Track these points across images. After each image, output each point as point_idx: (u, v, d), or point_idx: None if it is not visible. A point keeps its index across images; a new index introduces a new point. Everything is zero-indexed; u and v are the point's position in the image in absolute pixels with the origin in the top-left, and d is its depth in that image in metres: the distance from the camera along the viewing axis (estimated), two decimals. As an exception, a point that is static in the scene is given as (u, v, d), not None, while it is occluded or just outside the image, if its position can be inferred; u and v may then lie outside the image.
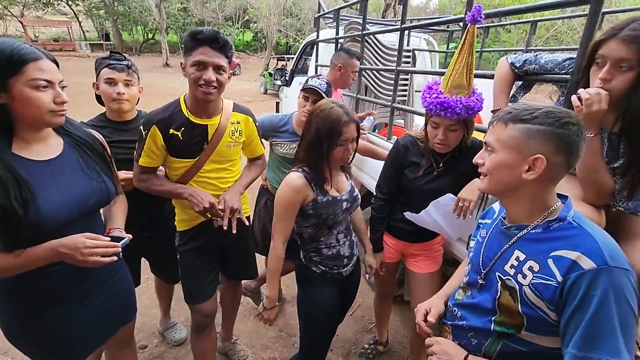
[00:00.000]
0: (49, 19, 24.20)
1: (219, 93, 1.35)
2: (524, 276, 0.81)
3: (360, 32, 2.63)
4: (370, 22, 3.73)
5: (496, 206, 1.05)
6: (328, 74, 2.45)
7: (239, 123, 1.50)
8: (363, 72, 2.92)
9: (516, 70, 1.39)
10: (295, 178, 1.33)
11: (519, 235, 0.86)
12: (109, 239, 1.04)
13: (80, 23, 24.83)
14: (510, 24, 5.74)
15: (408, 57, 3.50)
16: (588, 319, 0.70)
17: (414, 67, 3.75)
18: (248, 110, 1.57)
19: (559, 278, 0.75)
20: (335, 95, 2.35)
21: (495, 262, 0.90)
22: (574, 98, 1.02)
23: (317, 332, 1.50)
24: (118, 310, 1.28)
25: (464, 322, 0.96)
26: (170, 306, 2.22)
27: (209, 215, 1.42)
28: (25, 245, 0.95)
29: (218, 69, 1.30)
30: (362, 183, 2.57)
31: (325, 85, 1.84)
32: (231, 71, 1.39)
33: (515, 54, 1.48)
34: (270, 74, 12.84)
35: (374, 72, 3.12)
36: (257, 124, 1.60)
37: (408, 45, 3.69)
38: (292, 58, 5.48)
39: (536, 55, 1.35)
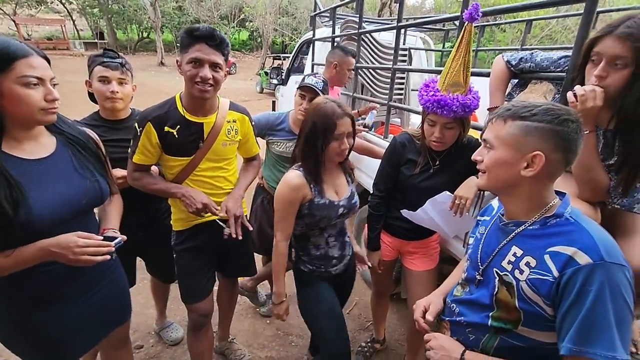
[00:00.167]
0: (42, 18, 23.96)
1: (215, 91, 1.34)
2: (521, 272, 0.82)
3: (356, 31, 2.63)
4: (366, 21, 3.74)
5: (495, 203, 1.06)
6: (324, 72, 2.45)
7: (235, 122, 1.50)
8: (359, 71, 2.91)
9: (512, 68, 1.40)
10: (293, 177, 1.33)
11: (516, 231, 0.87)
12: (102, 238, 1.03)
13: (74, 21, 24.58)
14: (506, 22, 5.77)
15: (404, 56, 3.50)
16: (584, 314, 0.71)
17: (410, 66, 3.75)
18: (244, 109, 1.56)
19: (556, 273, 0.75)
20: (332, 93, 2.35)
21: (493, 258, 0.91)
22: (569, 94, 1.03)
23: (326, 327, 1.47)
24: (113, 310, 1.26)
25: (462, 318, 0.96)
26: (167, 306, 2.20)
27: (204, 215, 1.41)
28: (16, 245, 0.93)
29: (214, 66, 1.29)
30: (359, 182, 2.58)
31: (322, 83, 1.84)
32: (227, 69, 1.39)
33: (510, 52, 1.49)
34: (266, 73, 12.80)
35: (371, 70, 3.12)
36: (253, 123, 1.60)
37: (404, 44, 3.69)
38: (288, 57, 5.46)
39: (532, 53, 1.36)
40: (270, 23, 19.54)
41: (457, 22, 1.71)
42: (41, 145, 1.03)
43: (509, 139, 0.81)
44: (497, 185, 0.88)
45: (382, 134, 2.35)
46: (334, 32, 3.01)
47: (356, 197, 1.48)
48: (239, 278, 1.96)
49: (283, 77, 5.00)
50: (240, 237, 1.40)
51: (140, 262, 1.85)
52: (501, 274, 0.86)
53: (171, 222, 1.56)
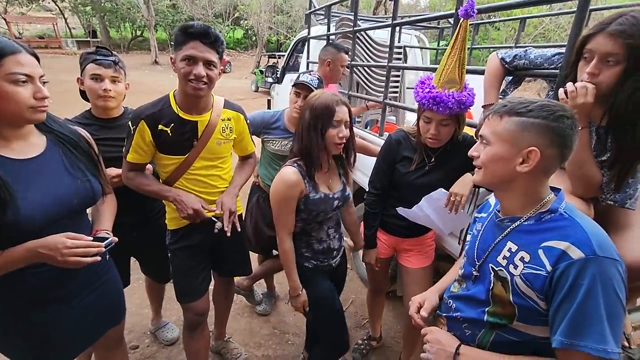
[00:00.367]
0: (34, 16, 23.63)
1: (209, 89, 1.33)
2: (515, 267, 0.83)
3: (351, 29, 2.62)
4: (361, 19, 3.73)
5: (492, 200, 1.06)
6: (317, 69, 2.44)
7: (230, 120, 1.49)
8: (354, 69, 2.91)
9: (506, 65, 1.40)
10: (289, 173, 1.33)
11: (512, 227, 0.87)
12: (92, 239, 1.01)
13: (66, 20, 24.30)
14: (500, 20, 5.80)
15: (399, 54, 3.50)
16: (575, 307, 0.72)
17: (405, 63, 3.76)
18: (239, 108, 1.55)
19: (549, 268, 0.76)
20: (328, 90, 2.34)
21: (489, 254, 0.91)
22: (560, 91, 1.04)
23: (330, 322, 1.51)
24: (107, 311, 1.25)
25: (458, 313, 0.97)
26: (162, 305, 2.19)
27: (197, 221, 1.39)
28: (5, 246, 0.91)
29: (208, 64, 1.28)
30: (354, 180, 2.58)
31: (317, 81, 1.83)
32: (222, 67, 1.38)
33: (505, 49, 1.50)
34: (261, 72, 12.76)
35: (366, 68, 3.12)
36: (248, 121, 1.59)
37: (399, 42, 3.70)
38: (283, 55, 5.45)
39: (526, 50, 1.37)
40: (265, 21, 19.48)
41: (451, 20, 1.71)
42: (31, 145, 1.01)
43: (505, 135, 0.82)
44: (493, 181, 0.89)
45: (378, 132, 2.35)
46: (329, 30, 3.01)
47: (348, 189, 1.51)
48: (234, 277, 1.95)
49: (278, 75, 4.99)
50: (228, 234, 1.39)
51: (135, 262, 1.83)
52: (496, 269, 0.87)
53: (166, 221, 1.55)
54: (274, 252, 2.19)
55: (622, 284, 0.72)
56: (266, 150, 2.01)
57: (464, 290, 0.99)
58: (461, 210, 1.36)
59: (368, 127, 3.45)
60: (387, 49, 2.28)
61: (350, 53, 2.63)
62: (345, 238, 1.64)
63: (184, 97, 1.35)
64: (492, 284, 0.88)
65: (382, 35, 3.40)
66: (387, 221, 1.64)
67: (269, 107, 4.91)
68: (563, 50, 1.21)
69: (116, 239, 1.09)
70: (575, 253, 0.73)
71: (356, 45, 2.69)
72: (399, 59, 3.48)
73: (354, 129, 2.51)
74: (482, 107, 1.45)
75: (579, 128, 1.00)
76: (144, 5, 18.65)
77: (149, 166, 1.49)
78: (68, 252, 0.93)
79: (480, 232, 0.99)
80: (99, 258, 0.99)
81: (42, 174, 1.00)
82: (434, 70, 1.41)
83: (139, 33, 25.71)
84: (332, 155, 1.45)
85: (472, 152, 0.92)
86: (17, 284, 1.00)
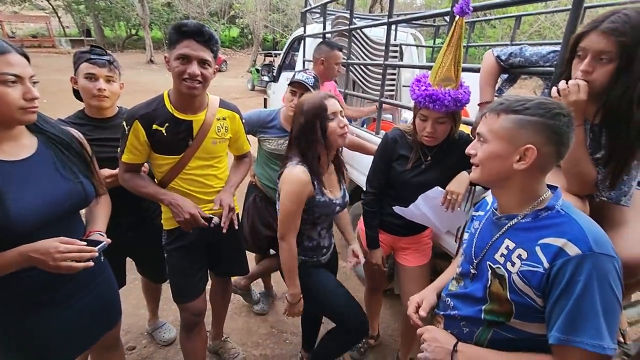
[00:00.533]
0: (26, 14, 23.38)
1: (204, 88, 1.32)
2: (513, 264, 0.83)
3: (347, 27, 2.62)
4: (357, 17, 3.73)
5: (489, 198, 1.06)
6: (312, 68, 2.44)
7: (225, 119, 1.48)
8: (351, 67, 2.91)
9: (502, 63, 1.40)
10: (301, 172, 1.32)
11: (509, 224, 0.88)
12: (85, 243, 0.99)
13: (59, 18, 24.08)
14: (495, 18, 5.81)
15: (395, 52, 3.50)
16: (572, 304, 0.72)
17: (402, 62, 3.76)
18: (234, 107, 1.54)
19: (546, 265, 0.76)
20: (324, 89, 2.34)
21: (486, 251, 0.92)
22: (553, 89, 1.04)
23: (337, 304, 1.51)
24: (102, 313, 1.24)
25: (456, 311, 0.97)
26: (159, 306, 2.18)
27: (190, 230, 1.37)
28: None
29: (203, 63, 1.27)
30: (351, 178, 2.57)
31: (313, 79, 1.83)
32: (217, 66, 1.37)
33: (500, 47, 1.50)
34: (257, 70, 12.71)
35: (362, 67, 3.12)
36: (243, 120, 1.58)
37: (395, 40, 3.70)
38: (279, 54, 5.42)
39: (521, 48, 1.37)
40: (260, 20, 19.38)
41: (447, 18, 1.71)
42: (21, 146, 0.99)
43: (502, 133, 0.82)
44: (490, 179, 0.89)
45: (374, 130, 2.35)
46: (324, 28, 3.00)
47: (347, 194, 1.52)
48: (232, 277, 1.95)
49: (274, 74, 4.97)
50: (224, 231, 1.38)
51: (131, 262, 1.82)
52: (494, 266, 0.87)
53: (161, 221, 1.53)
54: (271, 251, 2.18)
55: (618, 280, 0.73)
56: (262, 150, 2.00)
57: (461, 289, 0.99)
58: (458, 208, 1.36)
59: (364, 126, 3.45)
60: (383, 47, 2.27)
61: (346, 51, 2.62)
62: (349, 260, 1.63)
63: (178, 97, 1.34)
64: (489, 282, 0.88)
65: (378, 34, 3.40)
66: (384, 220, 1.64)
67: (265, 106, 4.89)
68: (558, 47, 1.21)
69: (109, 240, 1.07)
70: (572, 250, 0.74)
71: (352, 44, 2.68)
72: (395, 57, 3.49)
73: (351, 127, 2.53)
74: (478, 105, 1.46)
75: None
76: (138, 3, 18.51)
77: (145, 165, 1.48)
78: (60, 256, 0.92)
79: (478, 230, 0.99)
80: (92, 263, 0.98)
81: (33, 176, 0.98)
82: (430, 68, 1.41)
83: (133, 32, 25.51)
84: (331, 159, 1.46)
85: (469, 150, 0.92)
86: (10, 287, 0.99)
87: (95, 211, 1.19)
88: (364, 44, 3.11)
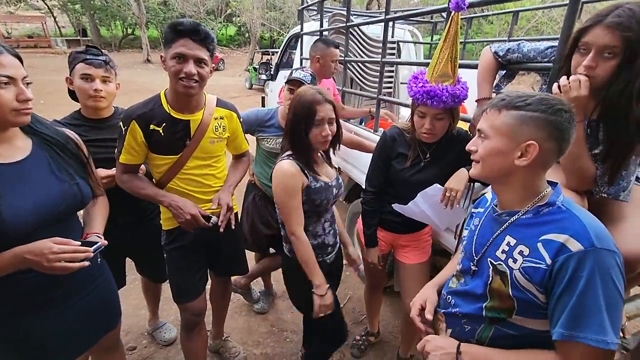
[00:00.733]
0: (22, 15, 23.27)
1: (201, 87, 1.31)
2: (515, 260, 0.83)
3: (344, 24, 2.61)
4: (354, 14, 3.71)
5: (488, 195, 1.06)
6: (309, 66, 2.43)
7: (223, 119, 1.47)
8: (348, 65, 2.90)
9: (500, 59, 1.40)
10: (286, 164, 1.32)
11: (510, 221, 0.87)
12: (79, 243, 0.98)
13: (55, 18, 23.95)
14: (493, 14, 5.80)
15: (393, 49, 3.49)
16: (575, 299, 0.72)
17: (399, 59, 3.75)
18: (232, 106, 1.54)
19: (548, 261, 0.76)
20: (322, 86, 2.33)
21: (487, 248, 0.91)
22: (554, 86, 1.03)
23: (326, 324, 1.49)
24: (102, 314, 1.23)
25: (457, 309, 0.97)
26: (159, 306, 2.18)
27: (192, 229, 1.37)
28: None
29: (199, 61, 1.26)
30: (349, 176, 2.57)
31: (310, 76, 1.82)
32: (213, 65, 1.36)
33: (498, 43, 1.49)
34: (255, 69, 12.68)
35: (359, 64, 3.11)
36: (241, 119, 1.58)
37: (393, 37, 3.69)
38: (277, 52, 5.41)
39: (519, 44, 1.36)
40: (257, 18, 19.33)
41: (444, 14, 1.70)
42: (15, 148, 0.98)
43: (504, 129, 0.82)
44: (490, 175, 0.89)
45: (372, 127, 2.34)
46: (321, 25, 2.99)
47: (340, 178, 1.50)
48: (231, 276, 1.94)
49: (272, 72, 4.96)
50: (221, 230, 1.38)
51: (130, 263, 1.82)
52: (495, 263, 0.87)
53: (160, 221, 1.53)
54: (271, 250, 2.18)
55: (620, 275, 0.73)
56: (261, 148, 2.00)
57: (462, 286, 0.99)
58: (457, 205, 1.36)
59: (363, 123, 3.45)
60: (381, 44, 2.27)
61: (342, 48, 2.61)
62: (353, 268, 1.63)
63: (175, 96, 1.33)
64: (490, 279, 0.88)
65: (375, 31, 3.39)
66: (383, 218, 1.64)
67: (263, 105, 4.88)
68: (556, 43, 1.21)
69: (106, 242, 1.06)
70: (574, 245, 0.74)
71: (349, 41, 2.67)
72: (393, 54, 3.48)
73: (349, 125, 2.53)
74: (476, 101, 1.45)
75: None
76: (134, 2, 18.42)
77: (142, 167, 1.47)
78: (54, 257, 0.91)
79: (478, 227, 0.99)
80: (87, 263, 0.97)
81: (28, 178, 0.97)
82: (427, 65, 1.40)
83: (130, 31, 25.42)
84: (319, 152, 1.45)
85: (469, 146, 0.91)
86: (7, 288, 0.98)
87: (92, 212, 1.18)
88: (361, 41, 3.10)
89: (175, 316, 2.22)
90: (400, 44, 3.84)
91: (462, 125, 1.54)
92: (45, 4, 22.56)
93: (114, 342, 1.41)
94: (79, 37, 23.74)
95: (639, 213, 1.12)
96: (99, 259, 1.21)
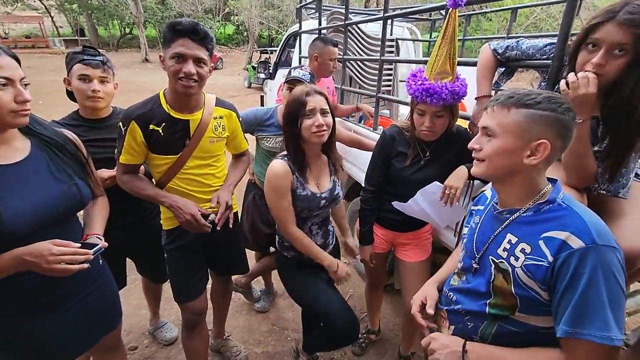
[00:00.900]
0: (19, 15, 23.18)
1: (200, 87, 1.31)
2: (516, 258, 0.83)
3: (343, 22, 2.60)
4: (352, 12, 3.71)
5: (488, 192, 1.06)
6: (308, 65, 2.42)
7: (222, 118, 1.47)
8: (347, 63, 2.89)
9: (498, 56, 1.40)
10: (278, 164, 1.33)
11: (511, 218, 0.87)
12: (79, 245, 0.98)
13: (52, 18, 23.86)
14: (492, 11, 5.79)
15: (392, 47, 3.49)
16: (578, 297, 0.72)
17: (398, 56, 3.75)
18: (231, 105, 1.54)
19: (550, 258, 0.76)
20: (320, 85, 2.33)
21: (488, 246, 0.91)
22: (562, 83, 1.00)
23: (322, 305, 1.48)
24: (102, 314, 1.23)
25: (460, 306, 0.97)
26: (160, 306, 2.19)
27: (196, 228, 1.37)
28: None
29: (198, 61, 1.26)
30: (349, 174, 2.57)
31: (309, 75, 1.82)
32: (212, 65, 1.36)
33: (497, 40, 1.49)
34: (253, 68, 12.66)
35: (358, 62, 3.10)
36: (240, 119, 1.57)
37: (391, 34, 3.68)
38: (275, 50, 5.40)
39: (518, 41, 1.36)
40: (255, 16, 19.26)
41: (443, 12, 1.69)
42: (14, 149, 0.98)
43: (513, 127, 0.81)
44: (495, 173, 0.87)
45: (371, 126, 2.34)
46: (320, 24, 2.98)
47: (339, 189, 1.49)
48: (232, 275, 1.95)
49: (270, 71, 4.95)
50: (218, 228, 1.38)
51: (131, 263, 1.82)
52: (497, 261, 0.87)
53: (161, 221, 1.53)
54: (271, 249, 2.19)
55: (621, 270, 0.73)
56: (261, 148, 2.00)
57: (464, 283, 0.99)
58: (456, 203, 1.36)
59: (362, 122, 3.44)
60: (379, 42, 2.26)
61: (341, 47, 2.61)
62: (350, 260, 1.63)
63: (174, 96, 1.33)
64: (492, 276, 0.88)
65: (374, 29, 3.38)
66: (383, 216, 1.64)
67: (262, 104, 4.87)
68: (554, 40, 1.20)
69: (106, 244, 1.06)
70: (576, 242, 0.74)
71: (348, 39, 2.67)
72: (392, 52, 3.47)
73: (349, 123, 2.53)
74: (476, 99, 1.45)
75: (580, 120, 0.99)
76: (131, 1, 18.34)
77: (142, 167, 1.47)
78: (53, 259, 0.91)
79: (478, 224, 0.99)
80: (86, 265, 0.97)
81: (27, 179, 0.97)
82: (426, 62, 1.40)
83: (127, 30, 25.30)
84: (321, 151, 1.45)
85: (473, 144, 0.90)
86: (8, 289, 0.98)
87: (92, 213, 1.18)
88: (360, 39, 3.09)
89: (177, 316, 2.22)
90: (399, 41, 3.84)
91: (462, 124, 1.54)
92: (43, 3, 22.45)
93: (115, 342, 1.41)
94: (76, 37, 23.64)
95: (638, 210, 1.12)
96: (100, 261, 1.21)
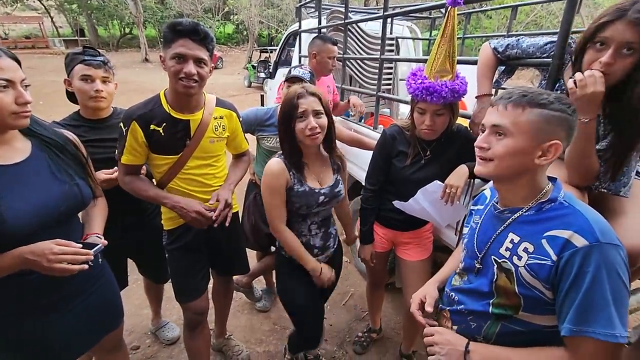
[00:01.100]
0: (19, 15, 23.19)
1: (200, 87, 1.32)
2: (519, 258, 0.82)
3: (342, 21, 2.60)
4: (352, 11, 3.70)
5: (487, 192, 1.06)
6: (307, 63, 2.42)
7: (222, 118, 1.47)
8: (347, 62, 2.89)
9: (499, 55, 1.39)
10: (274, 163, 1.33)
11: (512, 218, 0.87)
12: (81, 245, 0.98)
13: (52, 18, 23.86)
14: (492, 9, 5.77)
15: (392, 45, 3.48)
16: (582, 295, 0.72)
17: (398, 55, 3.74)
18: (231, 105, 1.54)
19: (554, 257, 0.76)
20: (320, 84, 2.32)
21: (490, 246, 0.91)
22: (569, 82, 0.99)
23: (299, 314, 1.54)
24: (104, 314, 1.24)
25: (463, 306, 0.97)
26: (161, 305, 2.19)
27: (204, 225, 1.38)
28: None
29: (199, 61, 1.26)
30: (350, 173, 2.57)
31: (309, 74, 1.82)
32: (213, 65, 1.36)
33: (497, 39, 1.49)
34: (253, 67, 12.65)
35: (358, 61, 3.10)
36: (240, 119, 1.58)
37: (391, 33, 3.67)
38: (275, 50, 5.39)
39: (518, 39, 1.36)
40: (255, 15, 19.23)
41: (443, 10, 1.69)
42: (15, 150, 0.98)
43: (528, 127, 0.79)
44: (504, 173, 0.85)
45: (372, 124, 2.34)
46: (320, 22, 2.98)
47: (341, 186, 1.47)
48: (233, 275, 1.95)
49: (270, 70, 4.95)
50: (215, 225, 1.39)
51: (132, 263, 1.82)
52: (499, 261, 0.87)
53: (162, 221, 1.53)
54: (272, 248, 2.19)
55: (625, 268, 0.73)
56: (261, 147, 2.00)
57: (466, 283, 0.99)
58: (457, 201, 1.36)
59: (362, 120, 3.44)
60: (379, 41, 2.26)
61: (341, 46, 2.60)
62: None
63: (175, 96, 1.33)
64: (495, 276, 0.88)
65: (373, 27, 3.37)
66: (384, 215, 1.64)
67: (262, 103, 4.87)
68: (555, 38, 1.20)
69: (106, 242, 1.07)
70: (579, 241, 0.74)
71: (348, 38, 2.66)
72: (391, 50, 3.47)
73: (349, 123, 2.52)
74: (476, 97, 1.45)
75: (586, 120, 0.99)
76: (131, 1, 18.32)
77: (143, 168, 1.47)
78: (54, 258, 0.91)
79: (479, 224, 0.98)
80: (86, 266, 0.97)
81: (27, 180, 0.97)
82: (426, 61, 1.40)
83: (127, 30, 25.28)
84: (322, 149, 1.44)
85: (480, 143, 0.87)
86: (9, 289, 0.99)
87: (92, 213, 1.19)
88: (360, 38, 3.09)
89: (178, 315, 2.22)
90: (399, 40, 3.83)
91: (462, 122, 1.54)
92: (42, 4, 22.45)
93: (116, 342, 1.41)
94: (76, 37, 23.63)
95: (639, 208, 1.12)
96: (100, 259, 1.21)
